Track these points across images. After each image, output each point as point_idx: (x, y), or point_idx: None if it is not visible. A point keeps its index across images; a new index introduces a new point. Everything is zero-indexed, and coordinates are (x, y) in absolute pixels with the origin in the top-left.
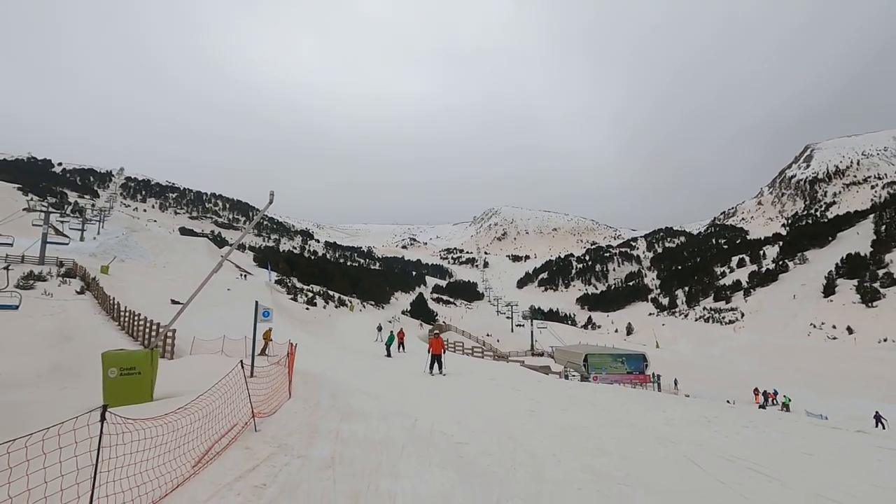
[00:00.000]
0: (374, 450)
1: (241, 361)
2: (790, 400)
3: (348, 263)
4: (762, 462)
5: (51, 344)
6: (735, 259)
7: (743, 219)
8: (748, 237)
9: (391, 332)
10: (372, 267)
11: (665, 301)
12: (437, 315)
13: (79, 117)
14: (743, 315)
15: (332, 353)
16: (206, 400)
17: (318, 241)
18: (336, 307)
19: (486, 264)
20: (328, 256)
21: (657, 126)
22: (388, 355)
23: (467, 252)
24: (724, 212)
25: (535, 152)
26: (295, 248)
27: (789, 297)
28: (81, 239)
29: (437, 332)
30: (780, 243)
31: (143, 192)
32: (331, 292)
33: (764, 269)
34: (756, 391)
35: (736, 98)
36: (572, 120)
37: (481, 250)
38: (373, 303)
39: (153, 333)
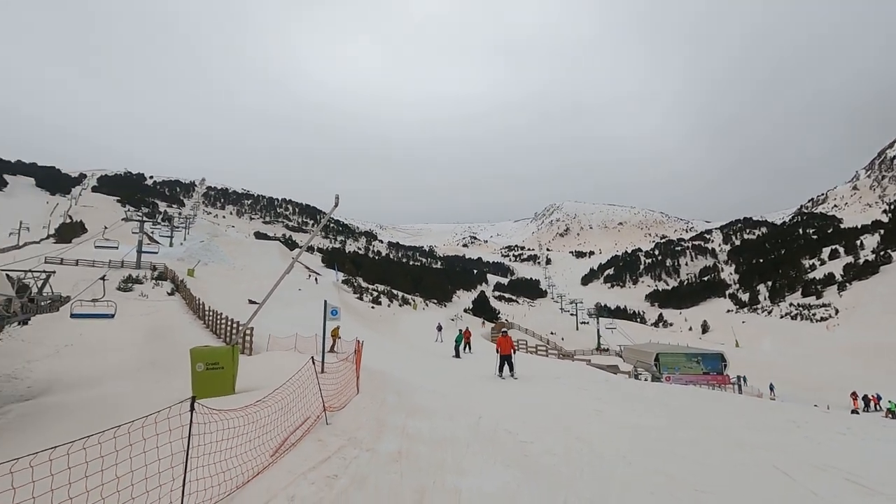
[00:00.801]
0: (439, 446)
1: (312, 358)
2: (895, 406)
3: (411, 263)
4: (862, 472)
5: (147, 341)
6: (826, 250)
7: (835, 206)
8: (842, 226)
9: (459, 330)
10: (434, 266)
11: (745, 297)
12: (499, 313)
13: (164, 140)
14: (837, 311)
15: (397, 351)
16: (281, 393)
17: (381, 241)
18: (400, 305)
19: (548, 261)
20: (391, 256)
21: (720, 105)
22: (457, 356)
23: (529, 249)
24: (811, 199)
25: (594, 141)
26: (360, 249)
27: (893, 290)
28: (170, 245)
29: (504, 330)
30: (882, 231)
31: (222, 200)
32: (395, 291)
33: (862, 261)
34: (854, 395)
35: (808, 64)
36: (630, 106)
37: (543, 247)
38: (435, 301)
39: (233, 331)
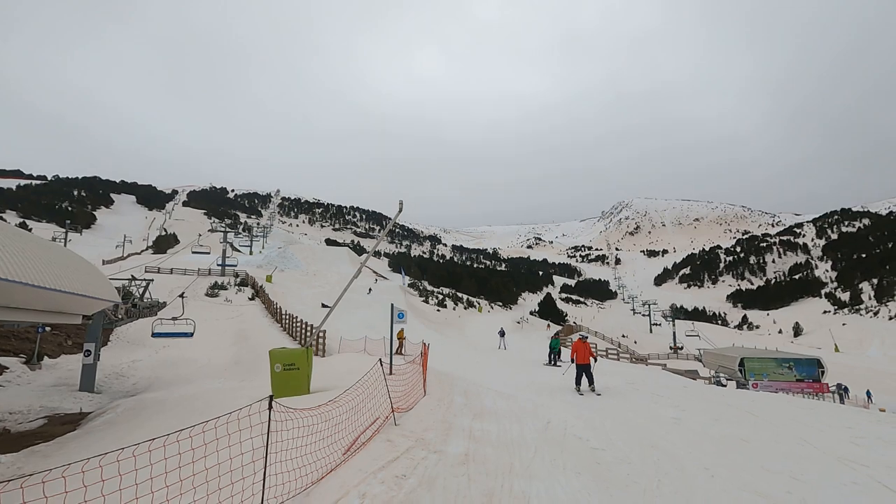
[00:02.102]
0: (507, 450)
1: (381, 360)
2: None
3: (475, 266)
4: None
5: (232, 343)
6: None
7: None
8: None
9: (556, 334)
10: (498, 268)
11: (844, 296)
12: (566, 315)
13: (249, 161)
14: None
15: (463, 354)
16: (352, 394)
17: (445, 245)
18: (465, 308)
19: (617, 261)
20: (455, 259)
21: (798, 81)
22: (553, 363)
23: (596, 249)
24: None
25: (661, 130)
26: (425, 253)
27: None
28: (250, 253)
29: (583, 334)
30: None
31: (296, 210)
32: (459, 294)
33: None
34: None
35: (891, 24)
36: (699, 90)
37: (612, 246)
38: (500, 303)
39: (308, 334)
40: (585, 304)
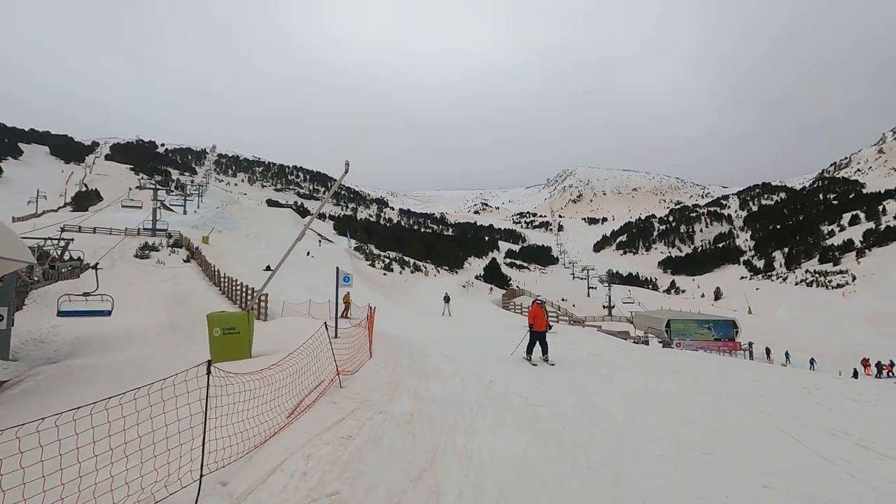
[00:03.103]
0: (451, 408)
1: (325, 323)
2: None
3: (422, 230)
4: (873, 438)
5: (166, 306)
6: (847, 216)
7: (859, 170)
8: (864, 191)
9: (539, 302)
10: (445, 233)
11: (760, 264)
12: (510, 280)
13: (174, 107)
14: (854, 278)
15: (409, 317)
16: (296, 358)
17: (392, 208)
18: (412, 272)
19: (560, 228)
20: (403, 223)
21: (739, 60)
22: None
23: (541, 216)
24: (834, 163)
25: (611, 99)
26: (371, 216)
27: None
28: (184, 213)
29: (541, 299)
30: None
31: (234, 168)
32: (406, 258)
33: (883, 227)
34: (865, 361)
35: (838, 10)
36: (648, 63)
37: (555, 213)
38: (447, 268)
39: (249, 297)
40: (528, 269)
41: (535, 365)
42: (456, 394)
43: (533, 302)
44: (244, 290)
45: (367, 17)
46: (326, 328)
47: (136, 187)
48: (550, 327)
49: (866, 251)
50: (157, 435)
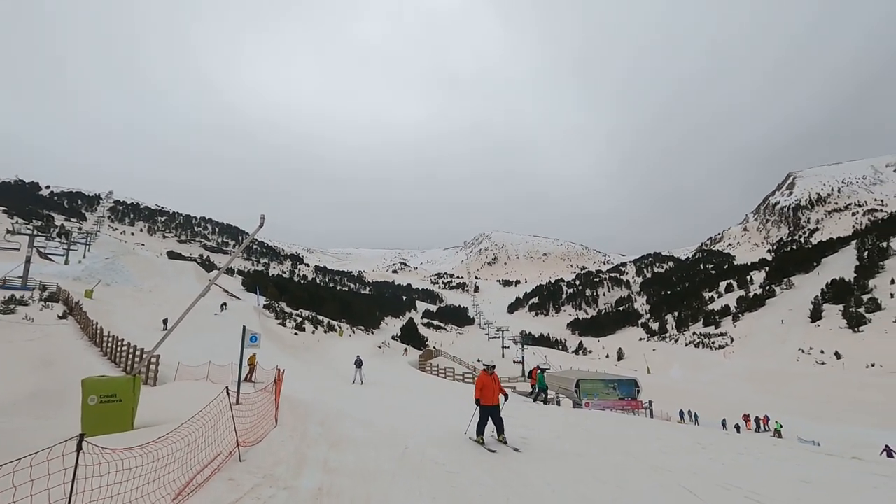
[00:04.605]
0: (364, 480)
1: (227, 388)
2: (781, 426)
3: (338, 288)
4: (759, 490)
5: (30, 370)
6: (723, 284)
7: (730, 244)
8: (735, 263)
9: (539, 368)
10: (362, 292)
11: (655, 326)
12: (426, 340)
13: (73, 139)
14: (732, 340)
15: (321, 380)
16: (188, 428)
17: (307, 265)
18: (325, 332)
19: (476, 289)
20: (318, 281)
21: (646, 152)
22: (541, 400)
23: (458, 277)
24: (710, 237)
25: (527, 177)
26: (285, 273)
27: (777, 322)
28: (66, 262)
29: (490, 365)
30: (767, 269)
31: (132, 216)
32: (320, 317)
33: (752, 295)
34: (746, 416)
35: (722, 126)
36: (564, 145)
37: (472, 275)
38: (363, 328)
39: (137, 359)
40: (446, 329)
41: (494, 451)
42: (369, 463)
43: (481, 370)
44: (131, 351)
45: (292, 74)
46: (228, 393)
47: (8, 231)
48: (507, 398)
49: (740, 315)
50: None
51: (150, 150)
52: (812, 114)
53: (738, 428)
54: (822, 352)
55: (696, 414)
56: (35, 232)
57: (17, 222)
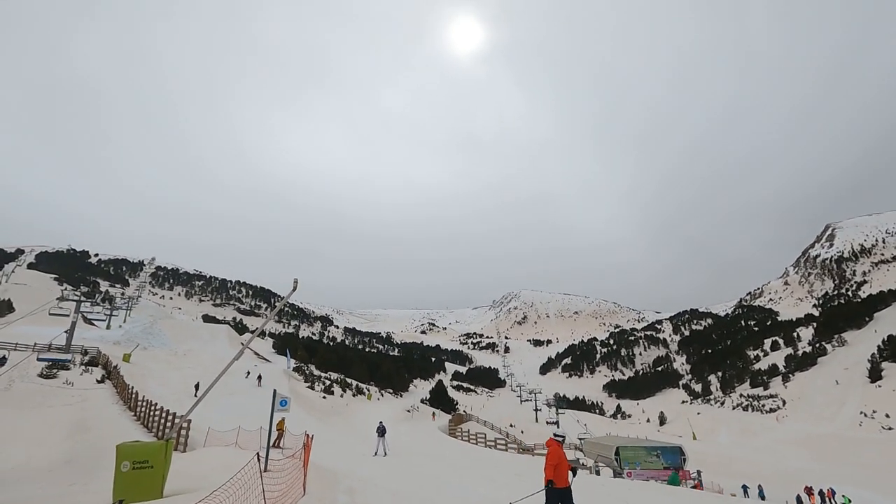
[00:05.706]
0: None
1: (258, 454)
2: (850, 501)
3: (367, 350)
4: None
5: (67, 435)
6: (768, 342)
7: (771, 299)
8: (779, 318)
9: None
10: (391, 353)
11: (698, 388)
12: (457, 403)
13: (118, 209)
14: (784, 403)
15: (348, 446)
16: (218, 497)
17: (337, 326)
18: (354, 395)
19: (506, 349)
20: (347, 342)
21: (664, 203)
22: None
23: (487, 337)
24: (750, 292)
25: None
26: (314, 335)
27: (832, 382)
28: (108, 327)
29: (560, 435)
30: (815, 324)
31: (171, 281)
32: (349, 380)
33: (801, 353)
34: (809, 490)
35: (741, 174)
36: (584, 199)
37: (501, 335)
38: (391, 390)
39: (169, 424)
40: (476, 391)
41: None
42: None
43: (550, 439)
44: (164, 415)
45: (323, 140)
46: (259, 460)
47: (57, 298)
48: (575, 473)
49: (790, 375)
50: None
51: (191, 216)
52: (838, 160)
53: (799, 501)
54: (888, 415)
55: (760, 487)
56: (81, 298)
57: (66, 289)
